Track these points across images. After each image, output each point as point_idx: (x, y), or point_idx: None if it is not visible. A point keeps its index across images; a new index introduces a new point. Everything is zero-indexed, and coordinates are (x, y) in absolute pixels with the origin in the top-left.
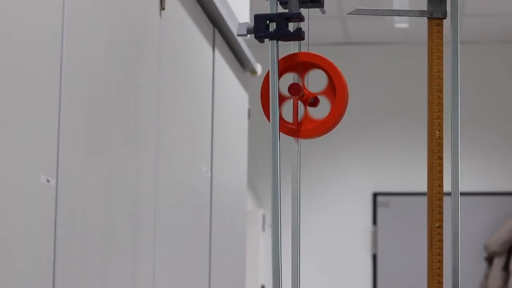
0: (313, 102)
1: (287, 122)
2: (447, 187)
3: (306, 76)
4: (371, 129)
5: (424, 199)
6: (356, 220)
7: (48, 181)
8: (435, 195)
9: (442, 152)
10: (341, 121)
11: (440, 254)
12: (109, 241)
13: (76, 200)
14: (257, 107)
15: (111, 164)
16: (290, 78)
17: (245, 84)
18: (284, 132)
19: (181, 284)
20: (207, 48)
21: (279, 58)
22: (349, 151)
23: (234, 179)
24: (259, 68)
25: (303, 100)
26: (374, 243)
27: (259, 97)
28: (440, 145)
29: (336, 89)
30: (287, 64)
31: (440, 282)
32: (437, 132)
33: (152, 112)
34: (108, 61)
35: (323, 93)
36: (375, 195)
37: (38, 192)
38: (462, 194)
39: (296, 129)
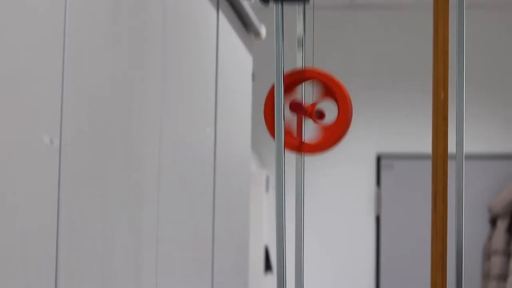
0: (319, 115)
1: (291, 137)
2: (451, 149)
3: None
4: (375, 91)
5: (429, 161)
6: (360, 182)
7: (51, 141)
8: (439, 156)
9: (447, 113)
10: (345, 83)
11: (444, 215)
12: (113, 201)
13: (79, 159)
14: (261, 69)
15: (115, 124)
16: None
17: (249, 47)
18: (288, 148)
19: (184, 244)
20: (212, 10)
21: (285, 73)
22: (353, 113)
23: (238, 141)
24: (263, 31)
25: (307, 115)
26: (378, 205)
27: (263, 60)
28: (445, 106)
29: (339, 103)
30: (291, 79)
31: (444, 244)
32: (442, 94)
33: (157, 75)
34: (112, 24)
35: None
36: (379, 157)
37: (41, 152)
38: (466, 156)
39: (300, 145)
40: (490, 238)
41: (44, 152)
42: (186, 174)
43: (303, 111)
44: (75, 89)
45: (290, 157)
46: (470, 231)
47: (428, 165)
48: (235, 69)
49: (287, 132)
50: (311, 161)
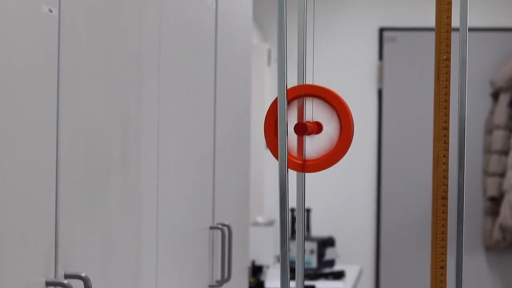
0: (318, 128)
1: (293, 157)
2: (454, 22)
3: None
4: None
5: (432, 34)
6: (361, 56)
7: (50, 11)
8: (443, 26)
9: None
10: None
11: (447, 86)
12: (112, 62)
13: (79, 29)
14: None
15: None
16: None
17: None
18: (290, 168)
19: (185, 117)
20: None
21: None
22: None
23: (239, 12)
24: None
25: (310, 133)
26: (380, 78)
27: None
28: None
29: (341, 122)
30: (293, 95)
31: (447, 115)
32: None
33: None
34: None
35: (329, 125)
36: (381, 30)
37: (40, 22)
38: (469, 29)
39: (303, 165)
40: (492, 112)
41: (43, 20)
42: (187, 46)
43: (308, 131)
44: None
45: (292, 27)
46: (472, 105)
47: (432, 38)
48: None
49: (289, 152)
50: (311, 35)
